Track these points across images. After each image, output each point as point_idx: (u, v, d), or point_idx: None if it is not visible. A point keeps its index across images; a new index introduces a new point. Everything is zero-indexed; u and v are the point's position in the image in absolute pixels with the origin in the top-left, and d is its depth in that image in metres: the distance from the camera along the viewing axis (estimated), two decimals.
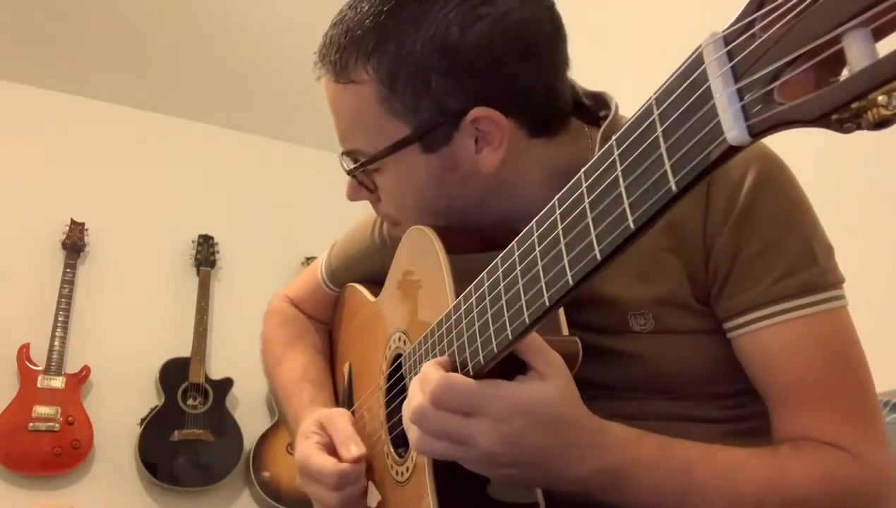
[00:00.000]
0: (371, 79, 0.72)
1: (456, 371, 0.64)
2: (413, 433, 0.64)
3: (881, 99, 0.30)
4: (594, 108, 0.81)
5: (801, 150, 0.81)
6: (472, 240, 0.76)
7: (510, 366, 0.61)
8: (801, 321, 0.68)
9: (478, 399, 0.59)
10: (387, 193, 0.80)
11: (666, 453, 0.63)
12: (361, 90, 0.73)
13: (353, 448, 0.81)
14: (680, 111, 0.39)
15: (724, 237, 0.70)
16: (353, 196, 0.84)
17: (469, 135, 0.73)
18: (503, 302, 0.57)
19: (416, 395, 0.63)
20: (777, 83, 0.34)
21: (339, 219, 1.72)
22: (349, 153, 0.78)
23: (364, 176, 0.79)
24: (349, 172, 0.80)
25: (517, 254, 0.56)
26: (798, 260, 0.68)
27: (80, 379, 2.80)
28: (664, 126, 0.41)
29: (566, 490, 0.62)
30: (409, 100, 0.72)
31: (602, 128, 0.76)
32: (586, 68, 0.87)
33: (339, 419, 0.86)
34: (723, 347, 0.72)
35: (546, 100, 0.75)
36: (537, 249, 0.53)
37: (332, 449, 0.83)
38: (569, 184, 0.50)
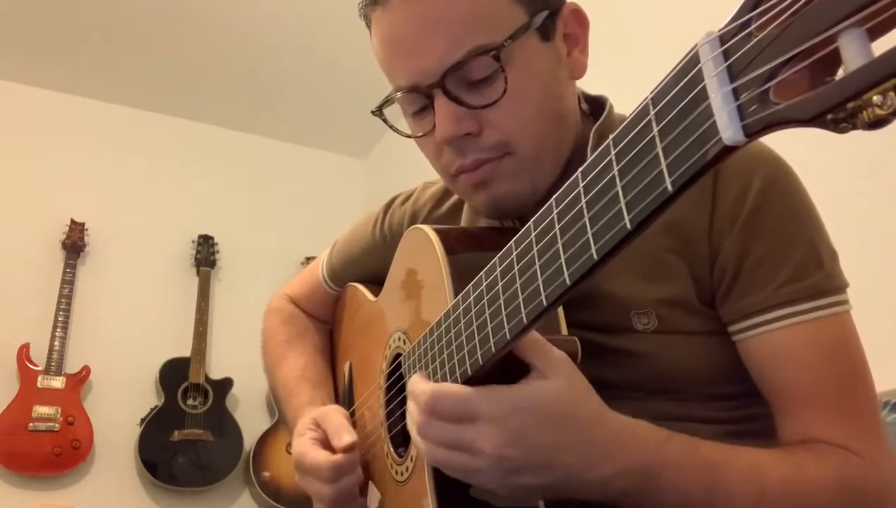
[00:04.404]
0: None
1: (454, 373, 0.64)
2: (420, 446, 0.64)
3: (876, 99, 0.30)
4: (591, 111, 0.82)
5: (800, 150, 0.81)
6: (470, 239, 0.76)
7: (512, 368, 0.60)
8: (808, 325, 0.67)
9: (470, 402, 0.59)
10: (511, 94, 0.71)
11: (692, 453, 0.62)
12: None
13: (345, 437, 0.81)
14: (676, 111, 0.39)
15: (730, 240, 0.70)
16: (454, 129, 0.71)
17: (562, 31, 0.74)
18: (501, 301, 0.56)
19: (413, 410, 0.63)
20: (773, 83, 0.34)
21: (339, 219, 1.72)
22: (468, 55, 0.69)
23: (484, 84, 0.71)
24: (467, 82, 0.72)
25: (515, 253, 0.55)
26: (805, 264, 0.68)
27: (80, 379, 2.81)
28: (660, 126, 0.40)
29: (587, 497, 0.60)
30: None
31: (595, 126, 0.75)
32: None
33: (333, 414, 0.87)
34: (725, 349, 0.72)
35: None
36: (535, 249, 0.53)
37: (326, 444, 0.84)
38: (566, 184, 0.50)
